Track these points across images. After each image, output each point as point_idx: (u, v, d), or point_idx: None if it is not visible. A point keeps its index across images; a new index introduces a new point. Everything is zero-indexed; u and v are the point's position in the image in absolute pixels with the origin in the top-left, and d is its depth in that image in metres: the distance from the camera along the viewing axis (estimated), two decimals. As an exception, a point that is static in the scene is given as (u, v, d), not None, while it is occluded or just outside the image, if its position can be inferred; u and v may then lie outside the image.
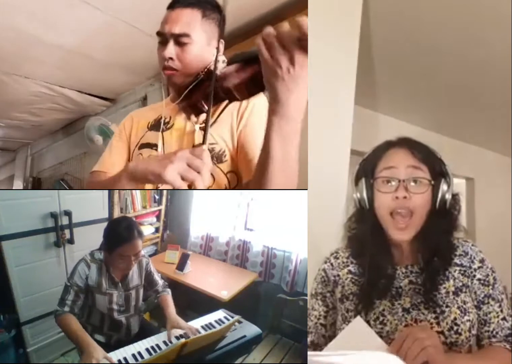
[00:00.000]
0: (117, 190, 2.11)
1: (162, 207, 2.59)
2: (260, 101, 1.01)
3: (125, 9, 1.06)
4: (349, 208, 0.94)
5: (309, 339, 0.94)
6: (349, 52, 1.62)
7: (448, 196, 0.85)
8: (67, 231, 1.81)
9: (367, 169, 0.88)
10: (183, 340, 1.16)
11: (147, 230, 2.52)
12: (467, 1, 1.86)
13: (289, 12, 2.14)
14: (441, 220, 0.85)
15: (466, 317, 0.82)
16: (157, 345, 1.29)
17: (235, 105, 1.04)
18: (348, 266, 0.93)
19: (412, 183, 0.83)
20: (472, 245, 0.89)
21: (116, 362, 1.19)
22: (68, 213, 1.79)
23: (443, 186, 0.84)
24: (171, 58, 1.02)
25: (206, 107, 0.96)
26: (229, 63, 0.93)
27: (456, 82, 2.63)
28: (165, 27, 1.03)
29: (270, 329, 2.09)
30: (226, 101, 1.01)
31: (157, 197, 2.56)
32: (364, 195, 0.87)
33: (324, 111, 1.54)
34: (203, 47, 1.04)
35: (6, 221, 1.59)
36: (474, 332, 0.84)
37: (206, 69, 1.01)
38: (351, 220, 0.93)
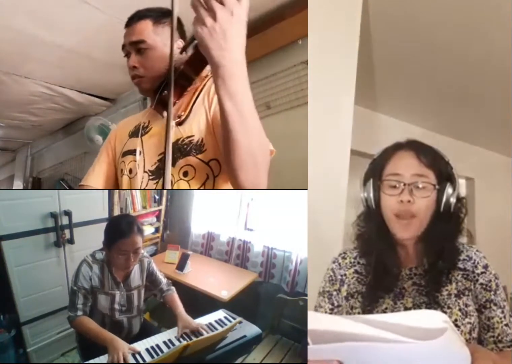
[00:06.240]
0: (117, 190, 2.11)
1: (162, 207, 2.59)
2: None
3: (125, 9, 1.07)
4: (359, 207, 0.95)
5: None
6: (349, 52, 1.62)
7: (453, 200, 0.87)
8: (67, 231, 1.80)
9: (375, 170, 0.91)
10: (185, 342, 1.17)
11: (147, 230, 2.52)
12: (467, 0, 1.86)
13: (289, 12, 2.14)
14: (446, 224, 0.88)
15: (467, 320, 0.84)
16: (157, 346, 1.29)
17: (205, 92, 1.09)
18: (354, 266, 0.95)
19: (417, 188, 0.85)
20: (477, 250, 0.91)
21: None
22: (68, 213, 1.78)
23: (448, 190, 0.86)
24: (135, 67, 1.11)
25: (175, 99, 1.00)
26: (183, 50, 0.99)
27: (456, 82, 2.63)
28: (124, 41, 1.13)
29: (270, 329, 2.08)
30: (194, 89, 1.08)
31: (157, 197, 2.56)
32: (371, 195, 0.89)
33: (324, 111, 1.54)
34: (161, 49, 1.11)
35: (6, 221, 1.59)
36: (474, 335, 0.85)
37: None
38: (359, 219, 0.96)
